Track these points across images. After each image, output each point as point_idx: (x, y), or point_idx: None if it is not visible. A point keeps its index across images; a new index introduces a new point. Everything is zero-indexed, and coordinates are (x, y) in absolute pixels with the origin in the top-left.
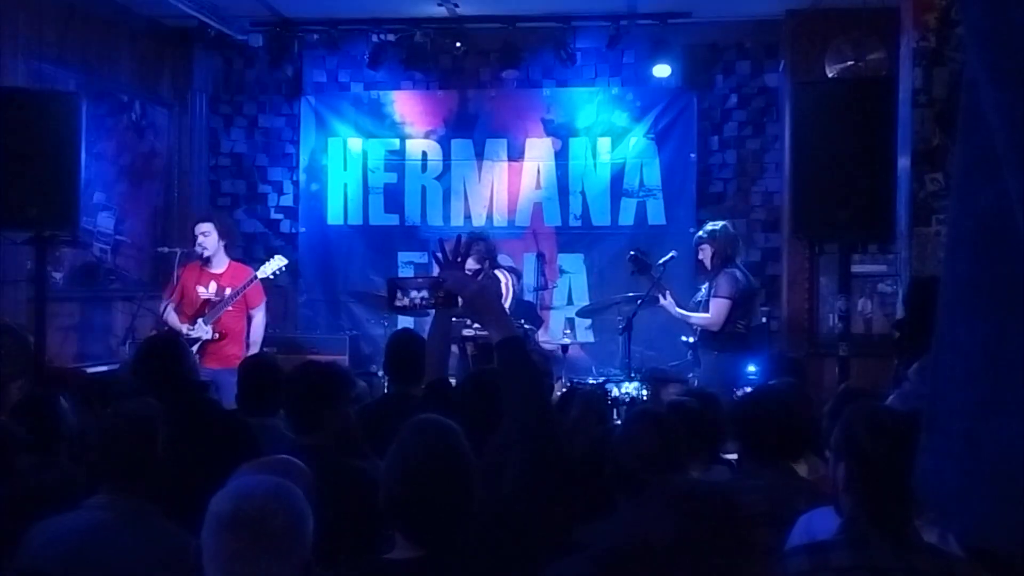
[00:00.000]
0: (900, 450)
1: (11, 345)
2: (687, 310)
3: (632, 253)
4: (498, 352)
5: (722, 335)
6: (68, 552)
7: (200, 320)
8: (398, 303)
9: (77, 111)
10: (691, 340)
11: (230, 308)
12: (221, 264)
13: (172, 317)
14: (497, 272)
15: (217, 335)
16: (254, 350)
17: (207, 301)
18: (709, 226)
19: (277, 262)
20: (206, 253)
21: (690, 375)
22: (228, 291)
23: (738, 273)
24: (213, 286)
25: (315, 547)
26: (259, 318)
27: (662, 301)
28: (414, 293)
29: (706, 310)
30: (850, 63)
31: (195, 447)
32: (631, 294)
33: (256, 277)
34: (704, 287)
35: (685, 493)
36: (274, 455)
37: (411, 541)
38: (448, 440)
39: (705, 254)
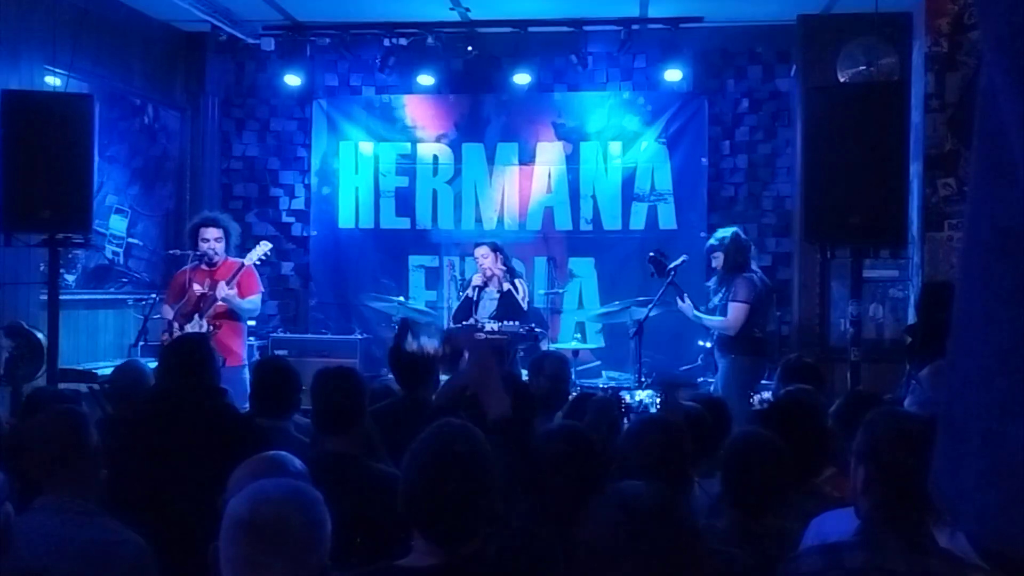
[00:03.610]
0: (920, 455)
1: (24, 346)
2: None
3: (652, 254)
4: (492, 431)
5: (739, 339)
6: (16, 554)
7: (196, 316)
8: (407, 346)
9: (90, 114)
10: (707, 345)
11: (219, 301)
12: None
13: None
14: (516, 282)
15: (212, 328)
16: (238, 300)
17: (203, 296)
18: (720, 233)
19: (262, 247)
20: (216, 259)
21: (700, 379)
22: (221, 284)
23: (755, 278)
24: (208, 282)
25: (338, 551)
26: (255, 299)
27: (680, 304)
28: (424, 339)
29: (722, 314)
30: (862, 68)
31: (207, 449)
32: (643, 298)
33: (244, 265)
34: (719, 292)
35: (628, 499)
36: (270, 451)
37: (429, 540)
38: (471, 442)
39: (719, 261)
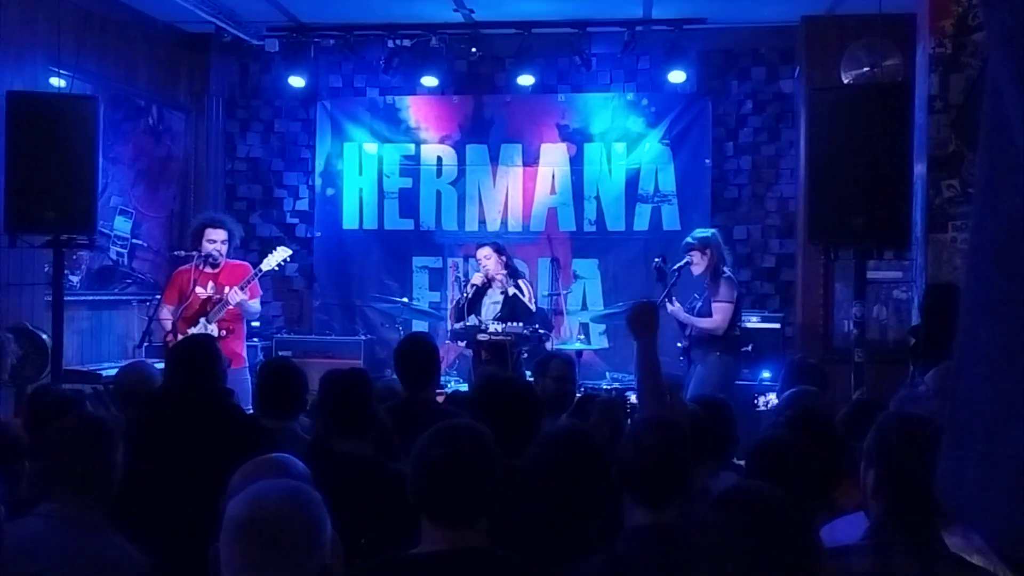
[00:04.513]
0: (930, 458)
1: (29, 347)
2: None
3: (656, 260)
4: None
5: (723, 338)
6: (9, 558)
7: (203, 319)
8: None
9: (95, 115)
10: (683, 344)
11: (232, 305)
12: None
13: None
14: (520, 283)
15: (224, 332)
16: (248, 304)
17: (208, 300)
18: (698, 233)
19: (280, 254)
20: (220, 260)
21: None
22: (227, 289)
23: (733, 277)
24: (211, 285)
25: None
26: (257, 302)
27: (669, 308)
28: None
29: (700, 315)
30: (866, 69)
31: (214, 450)
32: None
33: (260, 271)
34: (699, 294)
35: (733, 495)
36: (275, 454)
37: (436, 525)
38: (477, 433)
39: (695, 259)
